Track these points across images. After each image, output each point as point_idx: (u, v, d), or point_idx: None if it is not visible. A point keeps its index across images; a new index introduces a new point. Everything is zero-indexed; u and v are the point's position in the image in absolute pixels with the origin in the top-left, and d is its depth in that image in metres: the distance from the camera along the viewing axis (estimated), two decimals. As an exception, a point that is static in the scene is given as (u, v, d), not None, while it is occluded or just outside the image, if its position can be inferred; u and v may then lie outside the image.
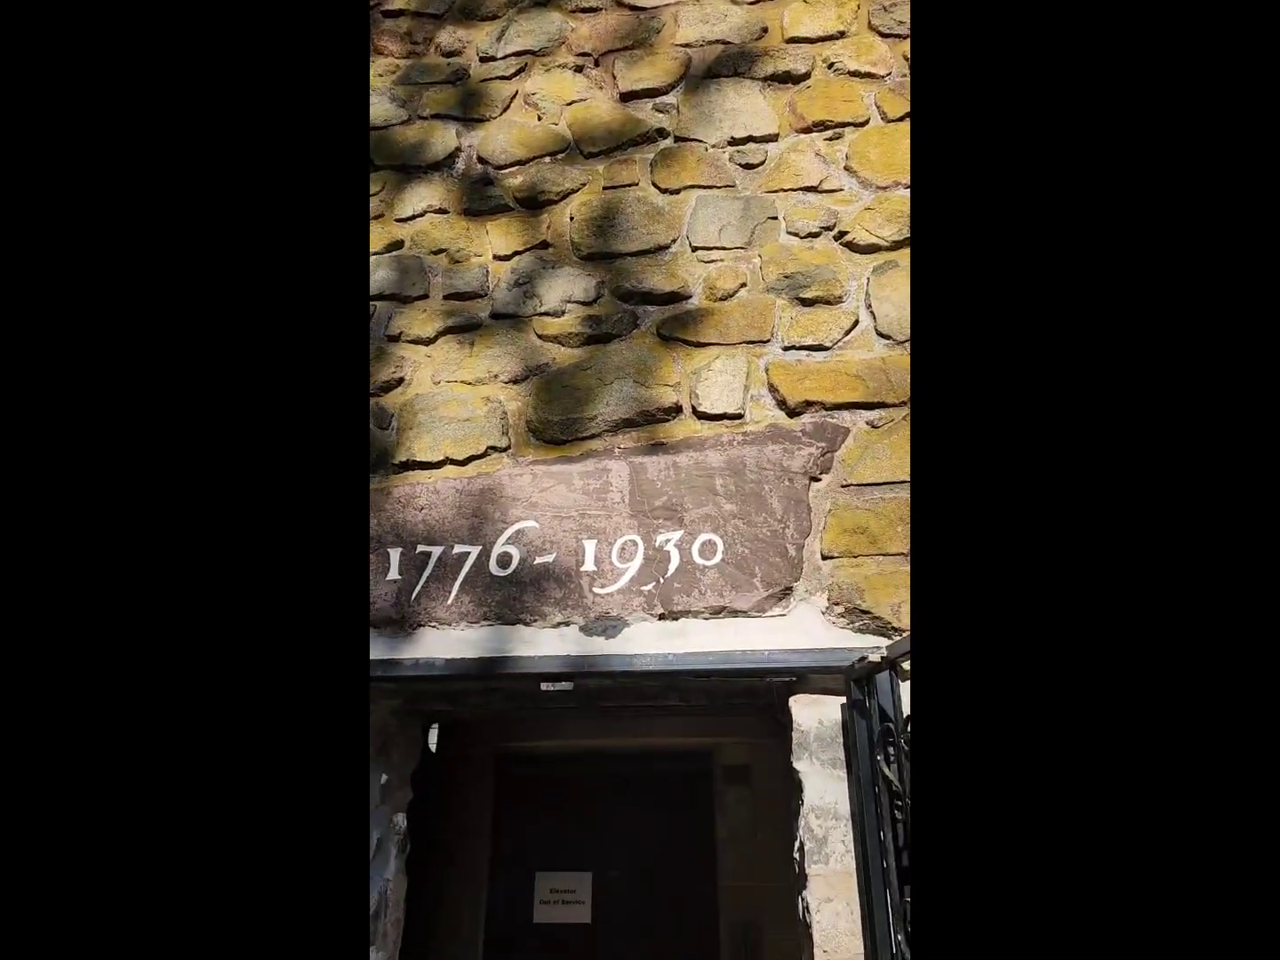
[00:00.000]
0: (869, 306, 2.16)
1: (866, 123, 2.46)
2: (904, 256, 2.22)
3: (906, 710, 1.53)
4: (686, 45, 2.69)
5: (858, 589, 1.83)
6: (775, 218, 2.33)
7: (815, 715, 1.81)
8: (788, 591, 1.87)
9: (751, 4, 2.74)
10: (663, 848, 3.27)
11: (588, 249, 2.36)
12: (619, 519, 1.96)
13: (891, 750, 1.57)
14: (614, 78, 2.64)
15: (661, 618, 1.87)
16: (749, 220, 2.33)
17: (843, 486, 1.95)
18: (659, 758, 3.39)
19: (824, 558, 1.88)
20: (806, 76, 2.57)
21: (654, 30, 2.73)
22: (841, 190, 2.35)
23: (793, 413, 2.05)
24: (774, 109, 2.52)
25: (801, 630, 1.84)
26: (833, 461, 1.98)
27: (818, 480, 1.96)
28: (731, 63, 2.62)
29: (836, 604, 1.83)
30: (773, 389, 2.08)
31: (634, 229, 2.37)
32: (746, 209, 2.35)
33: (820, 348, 2.12)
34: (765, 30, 2.67)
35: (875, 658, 1.58)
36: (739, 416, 2.07)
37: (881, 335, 2.12)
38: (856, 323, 2.15)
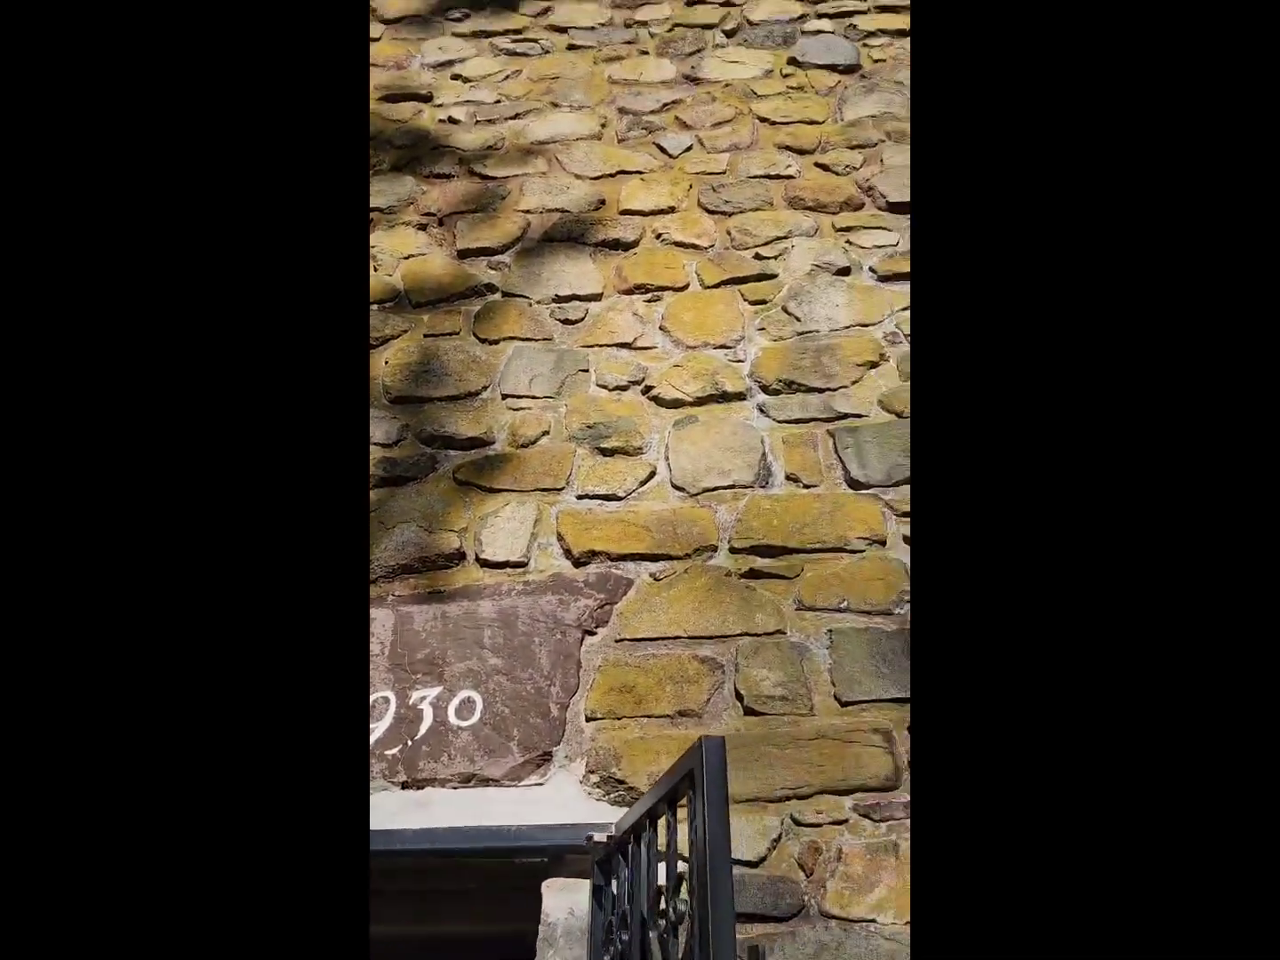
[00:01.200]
0: (667, 459, 2.15)
1: (685, 288, 2.56)
2: (705, 412, 2.24)
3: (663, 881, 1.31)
4: (528, 211, 2.83)
5: (616, 755, 1.68)
6: (586, 370, 2.36)
7: (567, 903, 1.61)
8: (546, 757, 1.71)
9: (594, 179, 2.92)
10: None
11: (397, 392, 2.34)
12: (374, 673, 1.81)
13: (626, 938, 1.36)
14: (454, 236, 2.75)
15: (405, 786, 1.69)
16: (560, 372, 2.36)
17: (616, 641, 1.84)
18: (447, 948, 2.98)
19: (588, 719, 1.74)
20: (635, 244, 2.70)
21: (499, 197, 2.88)
22: (654, 348, 2.41)
23: (578, 562, 1.97)
24: (601, 272, 2.62)
25: (558, 803, 1.67)
26: (610, 614, 1.89)
27: (592, 634, 1.86)
28: (567, 229, 2.75)
29: (593, 771, 1.68)
30: (560, 537, 2.02)
31: (448, 375, 2.37)
32: (560, 361, 2.38)
33: (614, 497, 2.08)
34: (602, 202, 2.83)
35: (601, 837, 1.42)
36: (523, 565, 1.98)
37: (676, 487, 2.09)
38: (653, 474, 2.13)
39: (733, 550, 1.96)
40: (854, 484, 2.05)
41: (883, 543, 1.95)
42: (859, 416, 2.19)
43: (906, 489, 2.03)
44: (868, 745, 1.64)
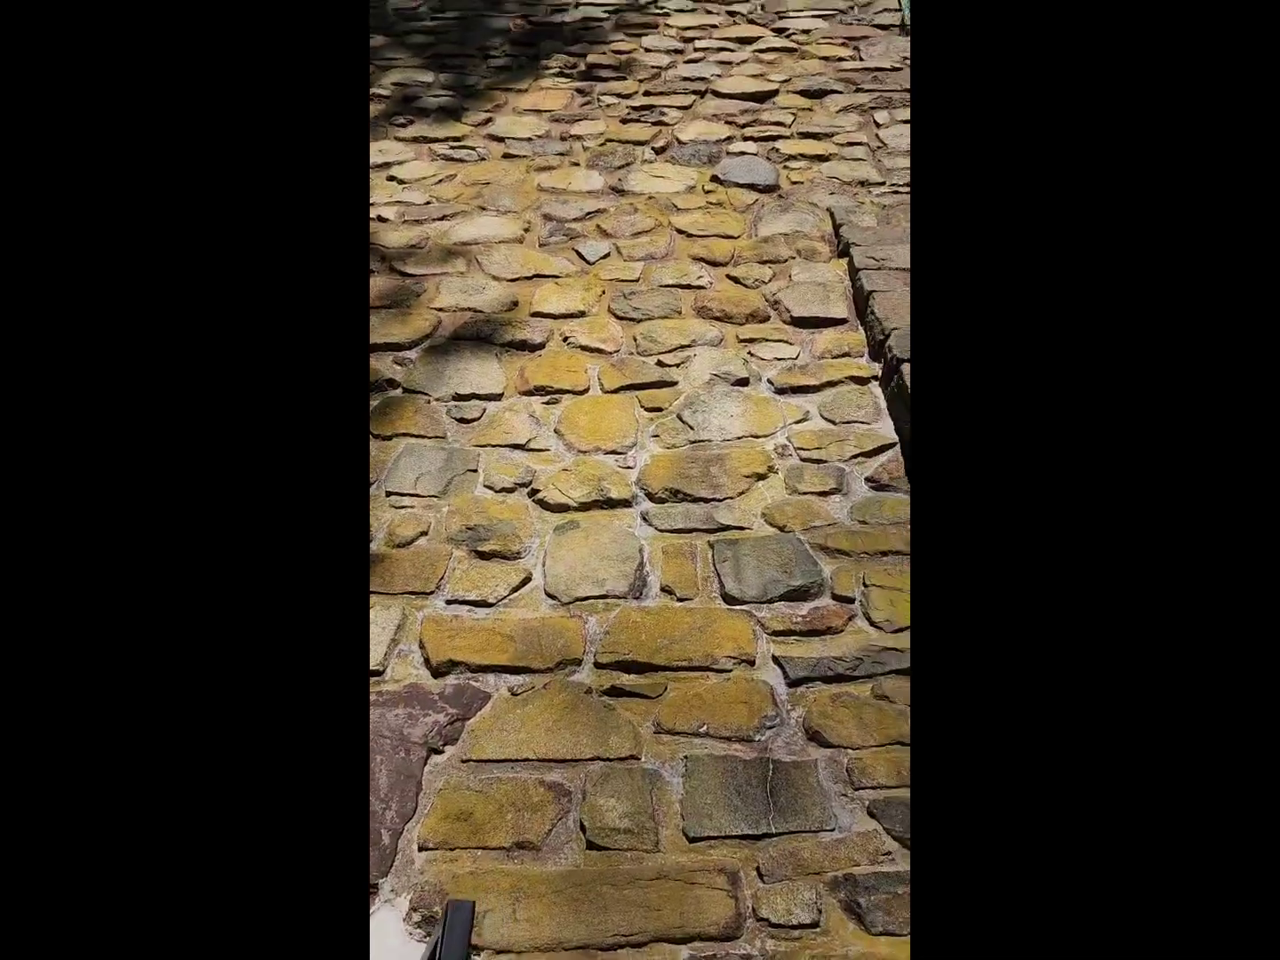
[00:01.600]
0: (544, 565, 2.10)
1: (585, 391, 2.57)
2: (588, 518, 2.20)
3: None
4: (441, 309, 2.85)
5: (443, 892, 1.56)
6: (475, 470, 2.32)
7: (374, 1063, 1.45)
8: (372, 890, 1.58)
9: (510, 281, 2.97)
10: None
11: (278, 486, 2.28)
12: (197, 789, 1.68)
13: None
14: (363, 331, 2.75)
15: (211, 920, 1.54)
16: (449, 471, 2.32)
17: (463, 761, 1.74)
18: None
19: (420, 848, 1.62)
20: (541, 346, 2.72)
21: (415, 294, 2.91)
22: (547, 450, 2.39)
23: (436, 672, 1.89)
24: (504, 372, 2.63)
25: (380, 944, 1.53)
26: (462, 731, 1.79)
27: (439, 753, 1.76)
28: (476, 329, 2.77)
29: (417, 909, 1.55)
30: (421, 645, 1.93)
31: (333, 470, 2.32)
32: (449, 460, 2.35)
33: (484, 604, 2.01)
34: (515, 304, 2.87)
35: (395, 991, 1.29)
36: (378, 674, 1.89)
37: (549, 595, 2.03)
38: (527, 580, 2.07)
39: (597, 665, 1.89)
40: (729, 599, 2.01)
41: (751, 662, 1.88)
42: (741, 529, 2.17)
43: (780, 605, 1.99)
44: (710, 887, 1.54)
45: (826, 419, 2.45)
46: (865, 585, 2.02)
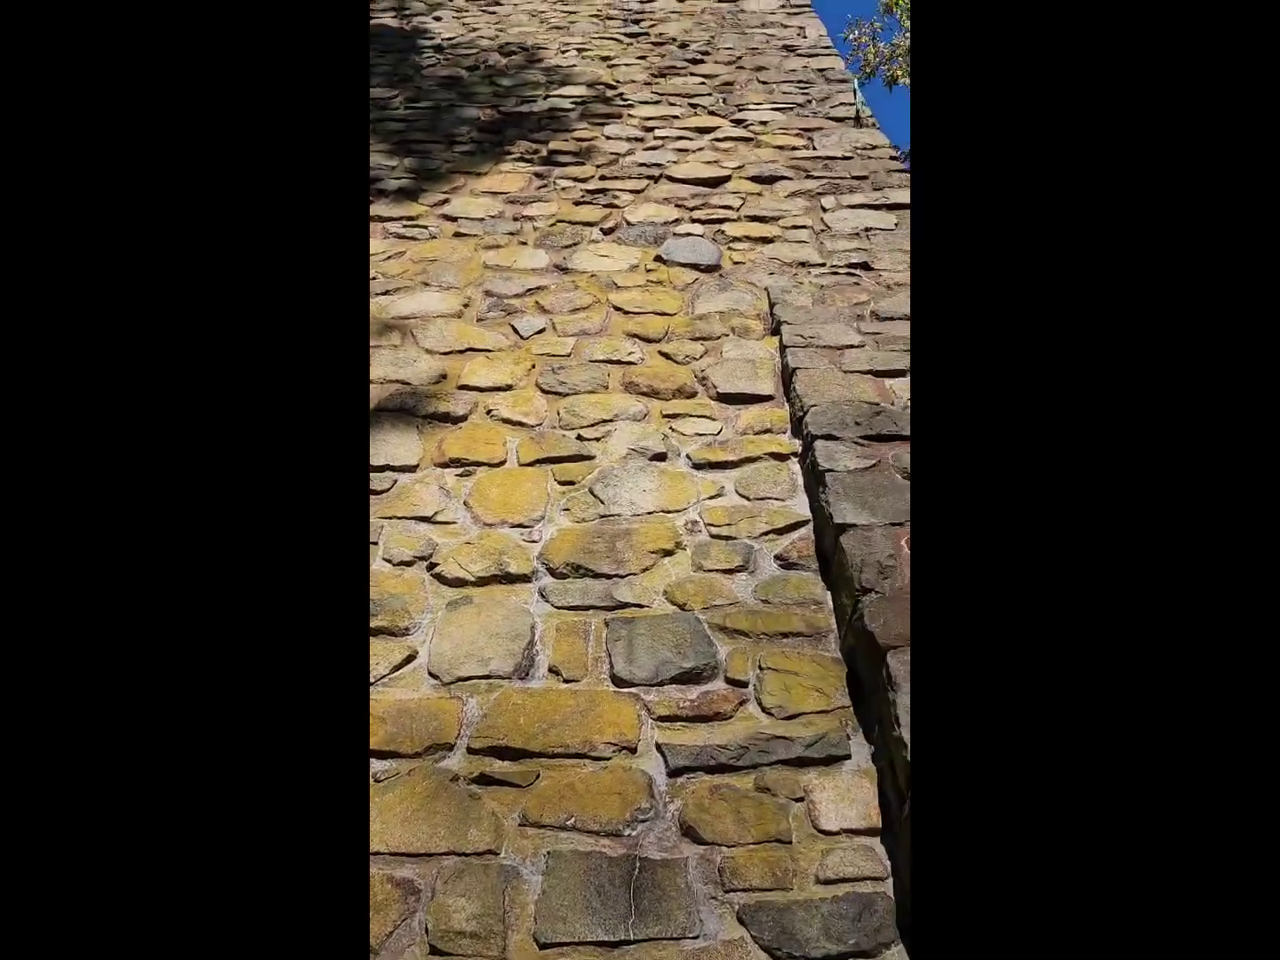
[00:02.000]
0: (431, 641, 2.02)
1: (501, 464, 2.53)
2: (484, 593, 2.13)
3: None
4: (370, 381, 2.85)
5: (262, 1001, 1.43)
6: (375, 543, 2.27)
7: None
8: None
9: (442, 354, 2.98)
10: None
11: (172, 556, 2.23)
12: None
13: None
14: (288, 401, 2.74)
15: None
16: (349, 543, 2.26)
17: (311, 854, 1.62)
18: None
19: None
20: (463, 419, 2.70)
21: (346, 366, 2.91)
22: (454, 523, 2.34)
23: (301, 756, 1.79)
24: (423, 444, 2.60)
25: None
26: (316, 820, 1.68)
27: (288, 843, 1.64)
28: (401, 400, 2.76)
29: (233, 1022, 1.42)
30: (290, 726, 1.84)
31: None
32: (351, 532, 2.29)
33: (362, 683, 1.93)
34: (444, 377, 2.87)
35: None
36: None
37: (431, 674, 1.95)
38: (411, 658, 1.99)
39: (470, 750, 1.79)
40: (618, 681, 1.92)
41: (632, 749, 1.78)
42: (640, 607, 2.09)
43: (670, 689, 1.89)
44: (553, 1002, 1.41)
45: (741, 495, 2.40)
46: (761, 669, 1.93)
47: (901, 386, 2.59)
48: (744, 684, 1.91)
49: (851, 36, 7.37)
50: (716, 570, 2.17)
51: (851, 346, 2.82)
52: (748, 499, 2.39)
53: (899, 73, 7.16)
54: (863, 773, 1.73)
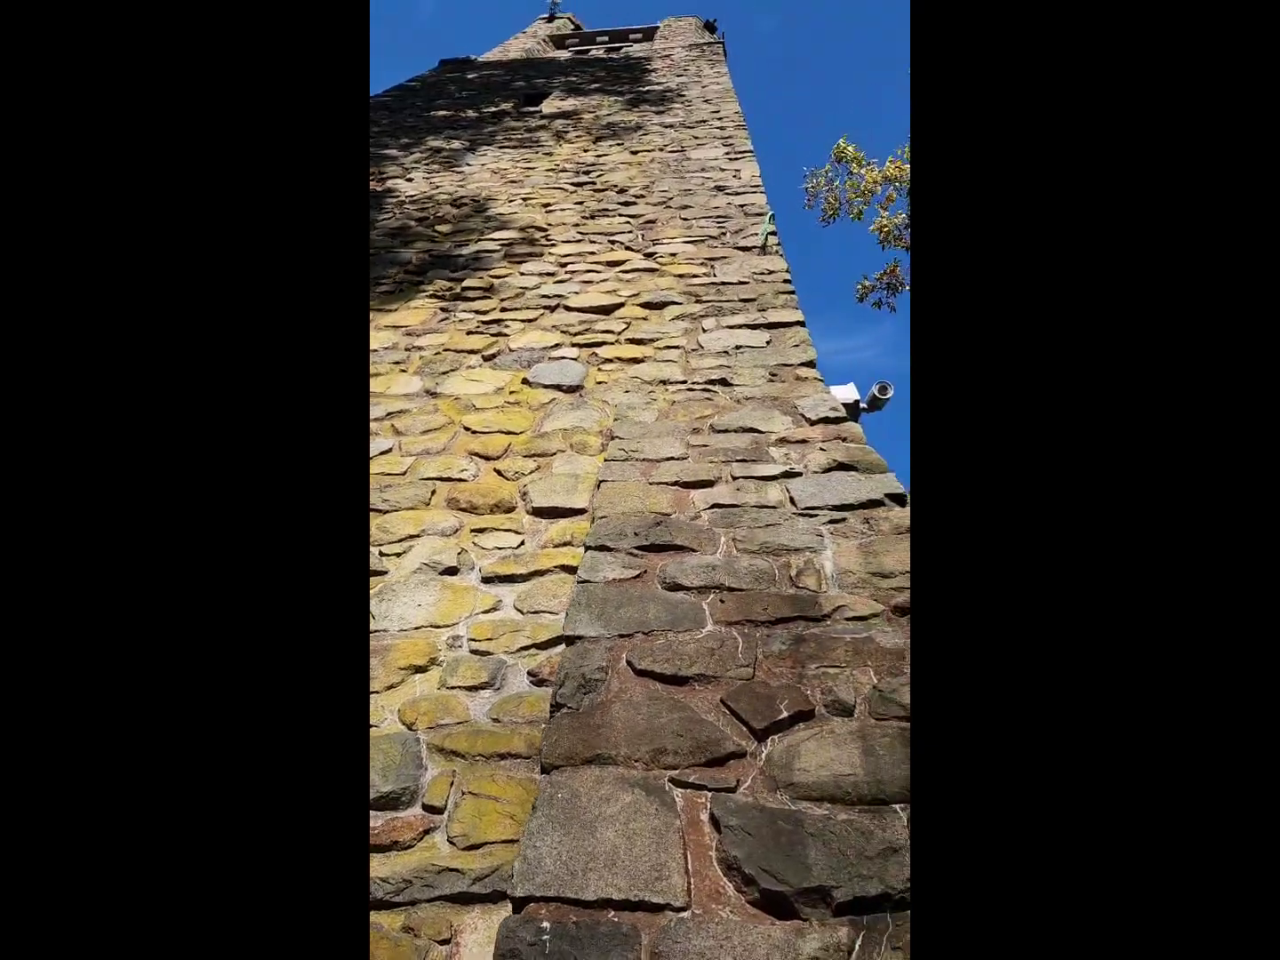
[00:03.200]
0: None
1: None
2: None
3: None
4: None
5: None
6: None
7: None
8: None
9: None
10: None
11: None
12: None
13: None
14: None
15: None
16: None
17: None
18: None
19: None
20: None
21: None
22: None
23: None
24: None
25: None
26: None
27: None
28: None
29: None
30: None
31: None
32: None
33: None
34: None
35: None
36: None
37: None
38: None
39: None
40: (312, 806, 1.81)
41: (295, 882, 1.66)
42: (370, 726, 2.00)
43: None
44: None
45: (517, 609, 2.34)
46: (462, 794, 1.80)
47: (702, 497, 2.54)
48: (439, 810, 1.78)
49: (810, 185, 7.77)
50: (460, 687, 2.09)
51: (672, 459, 2.80)
52: (522, 613, 2.32)
53: (860, 211, 7.51)
54: (529, 912, 1.57)
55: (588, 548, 2.32)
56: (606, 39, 15.08)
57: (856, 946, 1.27)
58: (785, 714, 1.68)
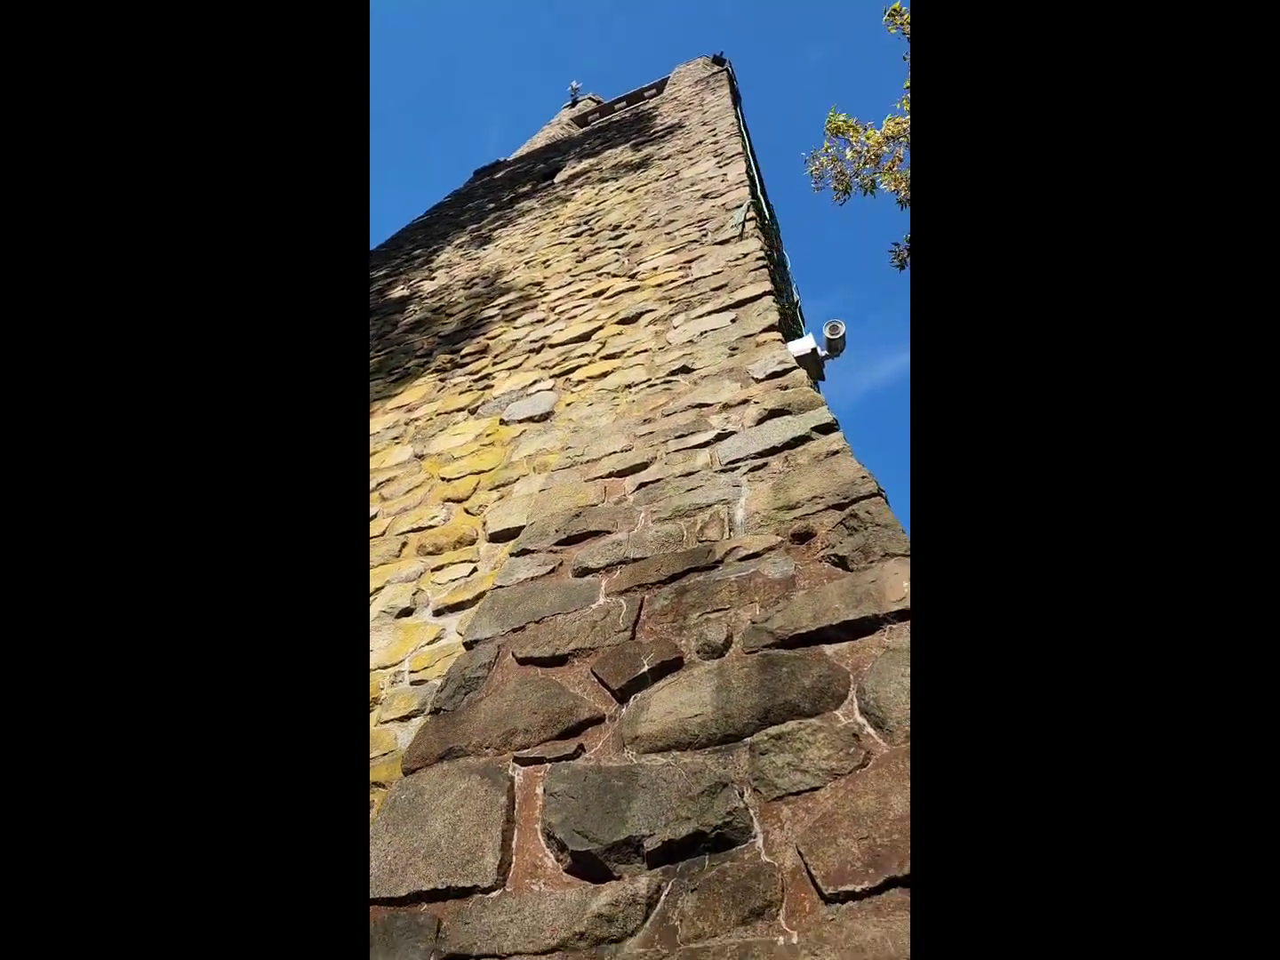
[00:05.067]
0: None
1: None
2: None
3: None
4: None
5: None
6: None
7: None
8: None
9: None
10: None
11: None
12: None
13: None
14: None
15: None
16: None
17: None
18: None
19: None
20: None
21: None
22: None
23: None
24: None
25: None
26: None
27: None
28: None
29: None
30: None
31: None
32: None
33: None
34: (275, 583, 3.07)
35: None
36: None
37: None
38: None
39: None
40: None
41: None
42: (309, 773, 2.00)
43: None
44: None
45: (458, 633, 2.30)
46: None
47: (633, 481, 2.43)
48: (352, 840, 1.74)
49: (813, 168, 7.54)
50: (393, 719, 2.06)
51: (614, 453, 2.72)
52: (462, 636, 2.28)
53: (873, 180, 7.18)
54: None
55: (511, 555, 2.27)
56: (624, 103, 15.56)
57: (662, 896, 1.10)
58: (648, 668, 1.54)
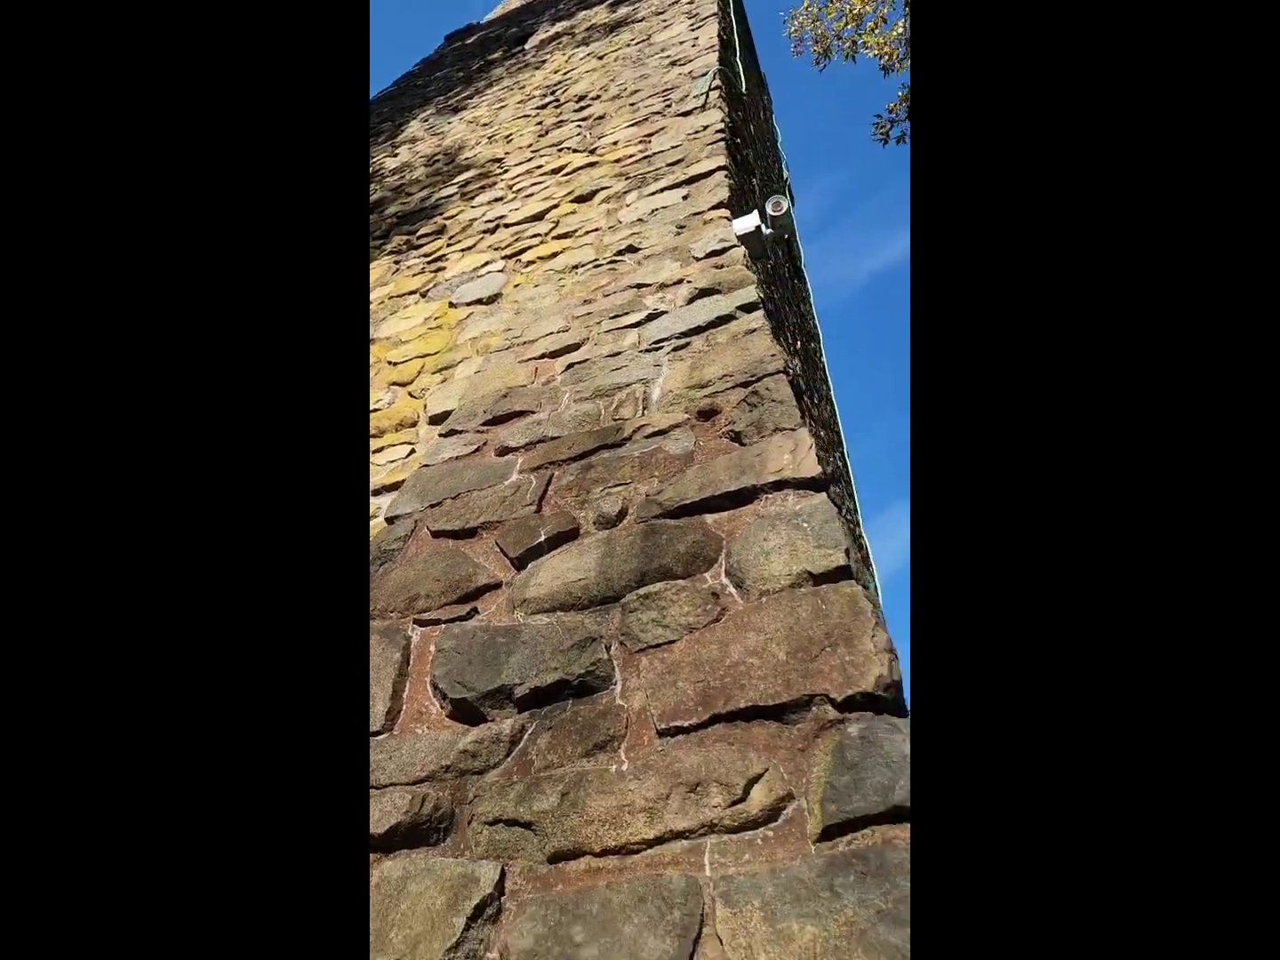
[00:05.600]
0: None
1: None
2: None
3: None
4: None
5: None
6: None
7: None
8: None
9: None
10: None
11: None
12: None
13: None
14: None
15: None
16: None
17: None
18: None
19: None
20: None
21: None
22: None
23: None
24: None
25: None
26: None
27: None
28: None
29: None
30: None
31: None
32: None
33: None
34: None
35: None
36: None
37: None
38: None
39: None
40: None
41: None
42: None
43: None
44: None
45: (387, 520, 2.37)
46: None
47: (563, 362, 2.45)
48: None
49: (792, 29, 7.10)
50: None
51: (551, 334, 2.72)
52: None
53: (854, 41, 6.77)
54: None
55: (440, 435, 2.31)
56: (605, -42, 14.45)
57: (525, 735, 1.21)
58: (544, 538, 1.61)
